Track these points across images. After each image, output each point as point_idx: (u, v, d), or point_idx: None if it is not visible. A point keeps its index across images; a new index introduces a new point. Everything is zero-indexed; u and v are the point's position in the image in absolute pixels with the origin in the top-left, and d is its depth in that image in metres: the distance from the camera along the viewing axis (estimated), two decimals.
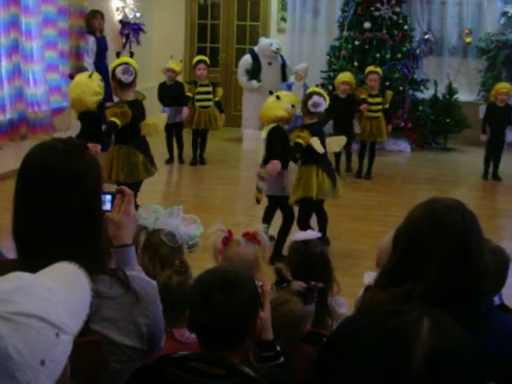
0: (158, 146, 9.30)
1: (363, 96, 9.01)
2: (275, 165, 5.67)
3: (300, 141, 5.74)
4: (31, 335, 1.03)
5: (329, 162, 6.16)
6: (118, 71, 5.85)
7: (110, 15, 10.94)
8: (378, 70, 9.26)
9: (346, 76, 9.22)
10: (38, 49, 8.68)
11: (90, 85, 6.03)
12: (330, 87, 10.48)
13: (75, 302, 1.17)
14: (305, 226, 5.71)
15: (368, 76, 9.12)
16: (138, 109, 6.02)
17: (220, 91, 9.67)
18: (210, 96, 9.49)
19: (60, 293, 1.13)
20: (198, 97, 9.42)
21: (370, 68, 9.27)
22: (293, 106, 5.95)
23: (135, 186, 5.93)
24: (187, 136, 9.78)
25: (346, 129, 8.69)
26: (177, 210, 3.28)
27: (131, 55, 6.44)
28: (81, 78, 6.21)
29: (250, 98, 11.83)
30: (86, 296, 1.21)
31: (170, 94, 9.39)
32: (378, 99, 9.08)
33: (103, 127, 6.28)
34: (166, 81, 9.56)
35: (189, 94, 9.37)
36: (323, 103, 5.85)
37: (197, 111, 9.44)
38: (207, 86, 9.50)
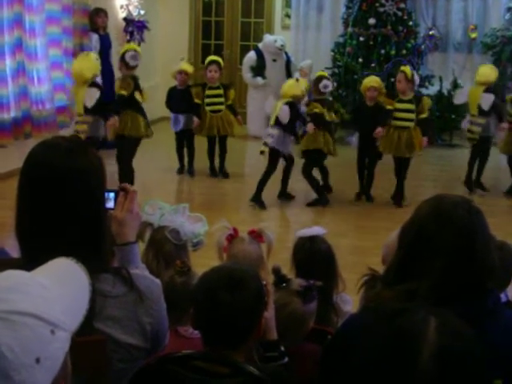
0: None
1: (389, 106, 7.68)
2: (311, 125, 7.55)
3: (318, 110, 7.57)
4: (25, 333, 1.02)
5: (332, 128, 7.93)
6: (128, 56, 7.45)
7: (114, 13, 10.93)
8: (406, 69, 7.75)
9: (372, 80, 7.98)
10: (42, 47, 8.68)
11: (86, 60, 7.27)
12: (335, 83, 10.46)
13: (72, 298, 1.15)
14: (309, 174, 7.73)
15: (396, 77, 7.88)
16: (136, 83, 7.53)
17: (232, 94, 8.82)
18: (221, 99, 8.58)
19: (56, 289, 1.12)
20: (207, 100, 8.54)
21: (401, 68, 8.00)
22: (305, 89, 7.79)
23: (135, 144, 7.60)
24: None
25: (374, 142, 7.79)
26: (182, 208, 3.28)
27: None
28: (79, 56, 7.78)
29: (255, 95, 11.83)
30: (84, 291, 1.20)
31: (181, 99, 8.57)
32: (409, 106, 7.60)
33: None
34: (177, 85, 8.73)
35: (197, 100, 8.53)
36: (330, 85, 7.89)
37: (207, 116, 8.53)
38: (217, 88, 8.57)
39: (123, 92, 7.44)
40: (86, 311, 1.16)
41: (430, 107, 7.96)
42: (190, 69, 8.81)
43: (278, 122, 7.46)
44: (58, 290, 1.12)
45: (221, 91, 8.58)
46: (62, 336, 1.07)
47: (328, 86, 7.74)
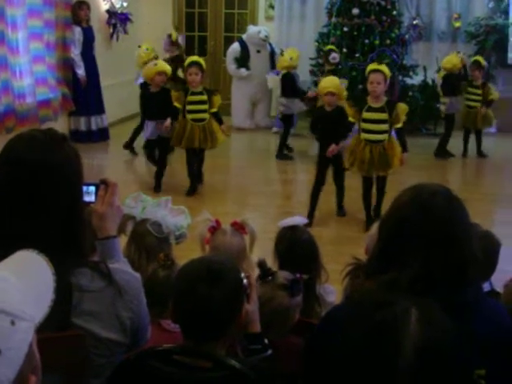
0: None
1: (351, 119, 6.37)
2: (311, 92, 9.49)
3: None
4: None
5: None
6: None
7: (97, 5, 10.85)
8: (383, 68, 6.34)
9: (329, 85, 6.67)
10: (24, 40, 8.60)
11: (137, 52, 9.38)
12: (320, 75, 10.46)
13: (35, 288, 1.14)
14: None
15: (368, 77, 6.30)
16: (177, 61, 9.18)
17: (218, 100, 7.60)
18: (205, 106, 7.47)
19: (17, 281, 1.10)
20: (189, 107, 7.44)
21: (371, 66, 6.49)
22: (291, 59, 9.46)
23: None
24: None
25: (336, 154, 6.51)
26: (165, 201, 3.26)
27: None
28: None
29: (240, 86, 11.80)
30: (47, 282, 1.18)
31: (156, 103, 7.60)
32: (382, 115, 6.23)
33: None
34: (151, 87, 7.72)
35: (177, 104, 7.45)
36: (338, 56, 9.71)
37: (188, 125, 7.47)
38: (200, 93, 7.47)
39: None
40: (52, 302, 1.14)
41: (407, 114, 6.47)
42: (168, 69, 7.87)
43: (282, 93, 9.46)
44: (19, 281, 1.11)
45: (204, 97, 7.48)
46: (24, 326, 1.05)
47: (336, 57, 9.70)
